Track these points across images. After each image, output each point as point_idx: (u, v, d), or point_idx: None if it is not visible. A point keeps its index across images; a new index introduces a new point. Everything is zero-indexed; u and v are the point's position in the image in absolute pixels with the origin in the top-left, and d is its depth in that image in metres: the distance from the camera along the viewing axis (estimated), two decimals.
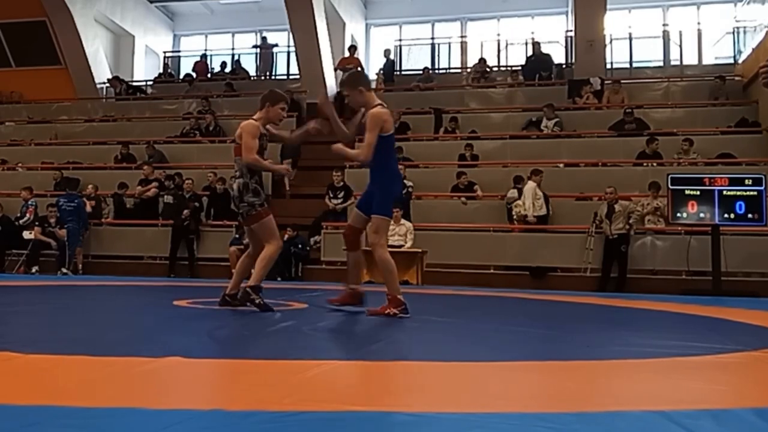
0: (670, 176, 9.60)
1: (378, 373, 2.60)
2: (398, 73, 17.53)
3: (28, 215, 11.69)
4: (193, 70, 18.51)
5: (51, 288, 7.44)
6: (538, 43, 16.23)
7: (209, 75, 18.48)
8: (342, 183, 11.51)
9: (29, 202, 11.88)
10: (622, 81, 14.69)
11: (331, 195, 11.61)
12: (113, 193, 12.46)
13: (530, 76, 15.74)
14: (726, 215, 9.24)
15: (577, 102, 14.18)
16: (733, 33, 16.25)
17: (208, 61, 19.19)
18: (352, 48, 16.22)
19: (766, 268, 9.70)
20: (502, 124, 14.11)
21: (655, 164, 11.60)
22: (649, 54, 17.21)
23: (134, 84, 18.09)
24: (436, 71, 17.69)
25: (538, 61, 15.80)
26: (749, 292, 9.00)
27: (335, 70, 16.07)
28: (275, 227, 4.85)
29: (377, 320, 4.39)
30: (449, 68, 18.35)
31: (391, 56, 17.31)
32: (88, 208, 11.85)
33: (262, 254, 4.78)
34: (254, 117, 4.86)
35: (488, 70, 16.51)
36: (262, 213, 4.76)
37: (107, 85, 17.88)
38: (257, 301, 4.69)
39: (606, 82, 14.51)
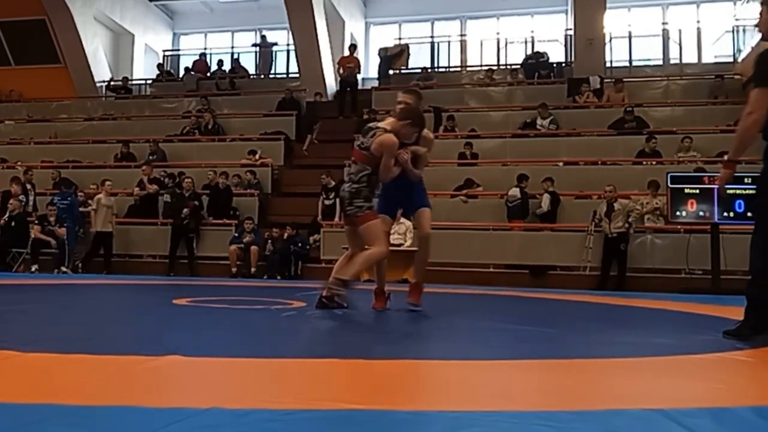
0: (669, 175, 9.60)
1: (377, 372, 2.60)
2: (398, 71, 17.51)
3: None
4: (193, 69, 18.49)
5: (50, 287, 7.43)
6: (532, 42, 16.25)
7: (209, 74, 18.47)
8: (333, 184, 11.58)
9: (19, 198, 11.74)
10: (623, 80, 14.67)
11: (324, 196, 11.77)
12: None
13: (530, 74, 15.75)
14: (725, 214, 9.23)
15: (577, 101, 14.17)
16: (733, 31, 16.26)
17: (208, 60, 19.18)
18: (353, 47, 16.20)
19: None
20: (502, 122, 14.11)
21: (654, 163, 11.60)
22: (649, 52, 17.22)
23: (113, 84, 18.02)
24: (436, 70, 17.68)
25: (534, 58, 15.81)
26: None
27: (335, 68, 16.07)
28: (381, 231, 4.79)
29: (376, 319, 4.40)
30: (449, 67, 18.34)
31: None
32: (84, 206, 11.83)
33: (368, 252, 4.74)
34: (388, 123, 4.77)
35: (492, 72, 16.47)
36: (369, 215, 4.72)
37: (118, 82, 17.89)
38: (337, 295, 4.63)
39: (606, 80, 14.51)
